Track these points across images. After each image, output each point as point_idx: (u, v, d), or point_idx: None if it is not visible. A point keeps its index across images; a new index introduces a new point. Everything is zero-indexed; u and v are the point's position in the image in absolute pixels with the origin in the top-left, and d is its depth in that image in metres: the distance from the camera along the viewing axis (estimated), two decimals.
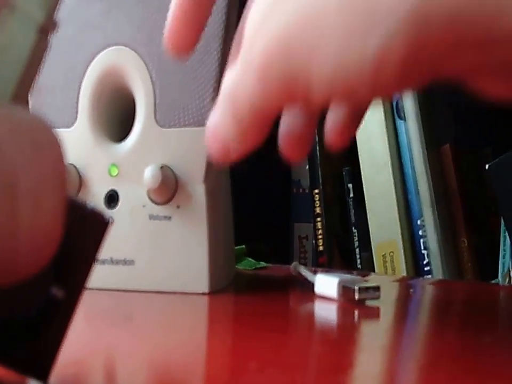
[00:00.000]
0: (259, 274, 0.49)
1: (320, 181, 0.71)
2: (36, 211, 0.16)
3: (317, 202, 0.71)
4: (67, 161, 0.17)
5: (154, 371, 0.23)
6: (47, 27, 0.19)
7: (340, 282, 0.36)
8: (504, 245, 0.64)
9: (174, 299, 0.37)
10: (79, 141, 0.40)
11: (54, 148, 0.17)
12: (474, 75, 0.23)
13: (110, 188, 0.39)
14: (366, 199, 0.68)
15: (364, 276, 0.53)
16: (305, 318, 0.36)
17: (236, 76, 0.25)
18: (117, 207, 0.39)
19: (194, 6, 0.31)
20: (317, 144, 0.70)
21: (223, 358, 0.26)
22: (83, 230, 0.18)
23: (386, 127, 0.66)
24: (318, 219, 0.71)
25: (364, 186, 0.68)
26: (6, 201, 0.15)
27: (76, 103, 0.40)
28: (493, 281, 0.64)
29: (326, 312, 0.36)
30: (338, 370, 0.24)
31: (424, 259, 0.66)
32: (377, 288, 0.36)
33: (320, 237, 0.72)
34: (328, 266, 0.71)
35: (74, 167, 0.39)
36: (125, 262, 0.39)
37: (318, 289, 0.38)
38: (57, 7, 0.19)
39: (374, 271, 0.68)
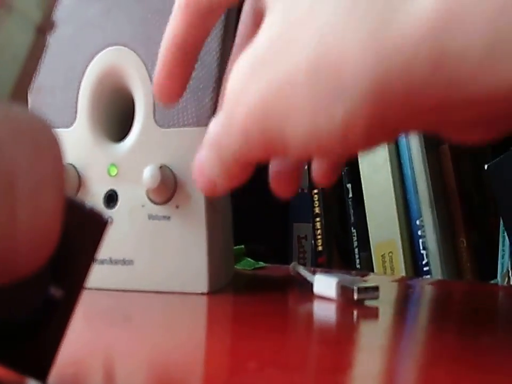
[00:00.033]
0: (258, 274, 0.49)
1: None
2: (35, 211, 0.16)
3: (316, 202, 0.71)
4: (66, 161, 0.17)
5: (154, 371, 0.23)
6: (44, 27, 0.19)
7: (338, 283, 0.36)
8: (503, 245, 0.64)
9: (173, 299, 0.37)
10: (78, 141, 0.40)
11: (53, 147, 0.17)
12: (438, 130, 0.25)
13: (109, 188, 0.39)
14: (365, 199, 0.68)
15: (363, 276, 0.53)
16: (304, 318, 0.36)
17: (221, 127, 0.28)
18: (116, 207, 0.39)
19: (179, 61, 0.33)
20: None
21: (222, 358, 0.26)
22: (82, 230, 0.18)
23: None
24: (317, 219, 0.71)
25: (363, 187, 0.68)
26: (5, 200, 0.15)
27: (75, 103, 0.40)
28: (492, 282, 0.64)
29: (325, 312, 0.36)
30: (337, 370, 0.24)
31: (423, 259, 0.66)
32: (376, 288, 0.36)
33: (319, 237, 0.72)
34: (327, 266, 0.71)
35: (74, 166, 0.39)
36: (124, 262, 0.39)
37: (317, 289, 0.38)
38: (55, 6, 0.19)
39: (373, 271, 0.68)
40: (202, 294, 0.37)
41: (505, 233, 0.63)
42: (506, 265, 0.63)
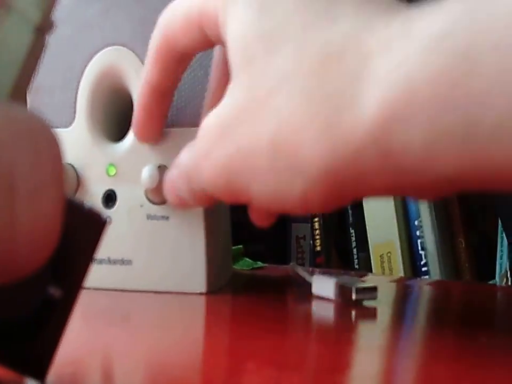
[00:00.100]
0: (256, 274, 0.49)
1: None
2: (35, 211, 0.16)
3: None
4: (65, 161, 0.17)
5: (152, 371, 0.23)
6: (43, 27, 0.19)
7: (337, 283, 0.36)
8: (502, 246, 0.64)
9: (171, 299, 0.37)
10: (77, 141, 0.40)
11: (53, 148, 0.17)
12: (395, 194, 0.28)
13: (107, 188, 0.39)
14: (363, 199, 0.68)
15: (361, 276, 0.53)
16: (302, 318, 0.36)
17: (192, 164, 0.31)
18: (115, 207, 0.39)
19: (156, 103, 0.36)
20: None
21: (220, 358, 0.26)
22: (81, 230, 0.18)
23: None
24: (316, 219, 0.71)
25: None
26: (5, 201, 0.15)
27: (74, 103, 0.40)
28: (491, 282, 0.64)
29: (323, 312, 0.36)
30: (335, 370, 0.24)
31: (421, 259, 0.66)
32: (374, 289, 0.36)
33: (317, 237, 0.72)
34: (325, 267, 0.71)
35: (72, 166, 0.39)
36: (123, 262, 0.38)
37: (315, 289, 0.38)
38: (54, 6, 0.19)
39: (371, 271, 0.68)
40: (200, 294, 0.37)
41: (504, 234, 0.63)
42: (505, 266, 0.63)
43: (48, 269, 0.18)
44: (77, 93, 0.40)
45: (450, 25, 0.21)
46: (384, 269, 0.67)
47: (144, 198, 0.38)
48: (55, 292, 0.18)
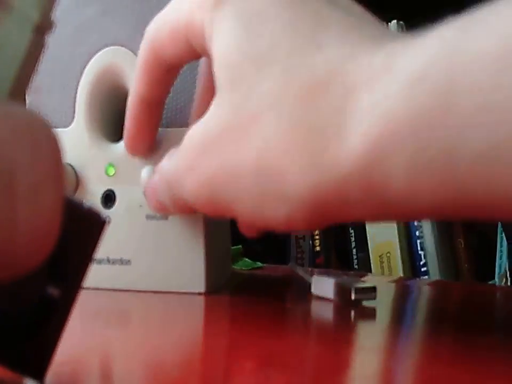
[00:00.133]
0: (256, 274, 0.49)
1: None
2: (34, 209, 0.16)
3: None
4: (64, 161, 0.17)
5: (151, 371, 0.23)
6: (43, 27, 0.19)
7: (336, 283, 0.36)
8: (501, 246, 0.64)
9: (171, 299, 0.37)
10: (76, 141, 0.40)
11: (53, 146, 0.17)
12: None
13: (106, 188, 0.39)
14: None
15: (360, 276, 0.53)
16: (301, 318, 0.36)
17: (174, 175, 0.31)
18: (114, 207, 0.39)
19: (146, 115, 0.36)
20: None
21: (219, 358, 0.26)
22: (80, 230, 0.18)
23: None
24: None
25: None
26: (4, 199, 0.15)
27: (73, 103, 0.40)
28: (490, 282, 0.64)
29: (322, 312, 0.36)
30: (334, 370, 0.24)
31: (421, 260, 0.66)
32: (373, 289, 0.36)
33: (317, 237, 0.72)
34: (325, 267, 0.71)
35: (71, 166, 0.39)
36: (122, 262, 0.39)
37: (315, 289, 0.38)
38: (53, 6, 0.19)
39: (370, 271, 0.68)
40: (199, 294, 0.37)
41: (503, 234, 0.63)
42: (504, 266, 0.63)
43: (47, 269, 0.18)
44: (76, 93, 0.40)
45: (430, 65, 0.21)
46: (383, 269, 0.67)
47: (143, 198, 0.38)
48: (54, 291, 0.18)
